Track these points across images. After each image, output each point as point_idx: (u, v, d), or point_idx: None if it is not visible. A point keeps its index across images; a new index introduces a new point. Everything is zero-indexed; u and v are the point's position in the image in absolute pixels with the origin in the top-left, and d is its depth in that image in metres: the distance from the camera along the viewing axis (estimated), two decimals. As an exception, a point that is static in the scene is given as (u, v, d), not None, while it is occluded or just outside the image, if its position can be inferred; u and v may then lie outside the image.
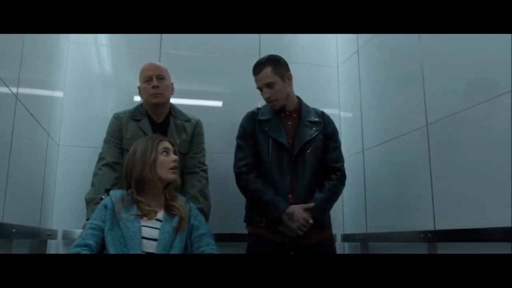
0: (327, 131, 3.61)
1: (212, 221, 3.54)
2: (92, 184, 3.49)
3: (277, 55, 3.59)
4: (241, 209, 3.61)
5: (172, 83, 3.81)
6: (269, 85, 3.47)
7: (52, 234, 3.75)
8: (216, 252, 2.91)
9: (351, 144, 4.52)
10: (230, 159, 3.58)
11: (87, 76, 4.36)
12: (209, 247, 2.91)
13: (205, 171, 3.77)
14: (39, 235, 3.50)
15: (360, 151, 4.41)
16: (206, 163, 3.83)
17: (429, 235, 3.21)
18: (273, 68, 3.48)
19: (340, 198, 3.58)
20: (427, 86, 3.41)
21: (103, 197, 3.09)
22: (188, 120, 3.83)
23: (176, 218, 2.87)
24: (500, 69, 2.67)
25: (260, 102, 4.03)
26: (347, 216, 4.64)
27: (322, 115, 3.68)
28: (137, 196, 2.90)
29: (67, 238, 3.92)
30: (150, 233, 2.77)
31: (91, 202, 3.34)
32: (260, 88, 3.55)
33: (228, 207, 4.13)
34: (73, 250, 2.63)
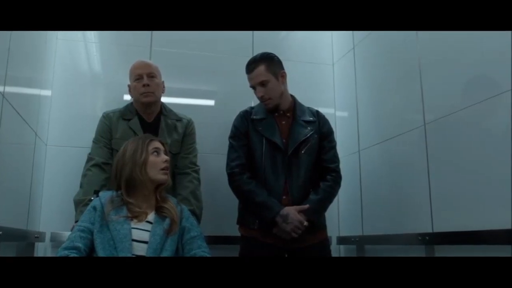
0: (322, 130, 3.61)
1: (204, 223, 3.54)
2: (81, 185, 3.48)
3: (270, 53, 3.59)
4: (234, 211, 3.61)
5: (163, 82, 3.81)
6: (263, 84, 3.47)
7: (39, 237, 3.73)
8: (208, 255, 2.90)
9: (347, 144, 4.52)
10: (223, 160, 3.58)
11: (75, 74, 4.34)
12: (201, 250, 2.91)
13: (197, 171, 3.76)
14: (27, 238, 3.49)
15: (356, 151, 4.41)
16: (198, 163, 3.83)
17: (427, 237, 3.21)
18: (266, 66, 3.47)
19: (335, 199, 3.58)
20: (424, 84, 3.41)
21: (92, 198, 3.09)
22: (179, 119, 3.83)
23: (167, 220, 2.87)
24: (499, 67, 2.68)
25: (254, 101, 4.03)
26: (342, 218, 4.64)
27: (317, 114, 3.69)
28: (127, 197, 2.89)
29: (55, 240, 3.91)
30: (141, 236, 2.76)
31: (80, 204, 3.33)
32: (253, 87, 3.55)
33: (220, 208, 4.12)
34: (61, 253, 2.62)
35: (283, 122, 3.56)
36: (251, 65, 3.53)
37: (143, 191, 2.94)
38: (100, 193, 2.99)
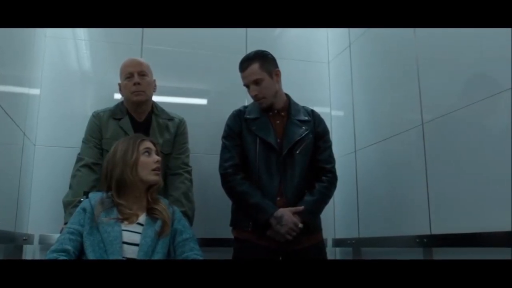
0: (318, 130, 3.60)
1: (197, 225, 3.53)
2: (70, 186, 3.46)
3: (264, 51, 3.59)
4: (227, 213, 3.60)
5: (154, 80, 3.80)
6: (257, 82, 3.46)
7: (28, 239, 3.72)
8: (201, 258, 2.89)
9: (343, 144, 4.52)
10: (215, 160, 3.57)
11: (65, 72, 4.33)
12: (193, 253, 2.90)
13: (189, 172, 3.76)
14: (15, 240, 3.48)
15: (352, 151, 4.42)
16: (190, 164, 3.82)
17: (425, 240, 3.21)
18: (260, 64, 3.46)
19: (331, 201, 3.58)
20: (422, 83, 3.41)
21: (82, 200, 3.08)
22: (171, 119, 3.82)
23: (159, 222, 2.86)
24: (499, 66, 2.68)
25: (247, 100, 4.04)
26: (338, 220, 4.64)
27: (312, 114, 3.68)
28: (117, 199, 2.88)
29: (44, 243, 3.90)
30: (131, 238, 2.75)
31: (69, 205, 3.32)
32: (247, 85, 3.54)
33: (213, 210, 4.12)
34: (50, 256, 2.61)
35: (278, 122, 3.55)
36: (245, 63, 3.52)
37: (134, 192, 2.93)
38: (90, 194, 2.98)
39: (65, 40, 4.39)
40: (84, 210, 2.83)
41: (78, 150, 3.62)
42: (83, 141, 3.64)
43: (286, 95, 3.70)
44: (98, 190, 3.11)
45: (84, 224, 2.76)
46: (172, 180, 3.68)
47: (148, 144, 3.04)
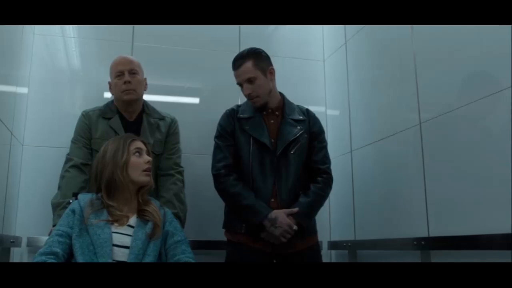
0: (313, 130, 3.60)
1: (188, 227, 3.54)
2: (59, 187, 3.46)
3: (258, 48, 3.58)
4: (220, 215, 3.59)
5: (145, 79, 3.80)
6: (250, 81, 3.45)
7: (15, 241, 3.71)
8: (193, 261, 2.89)
9: (339, 144, 4.52)
10: (208, 161, 3.57)
11: (53, 70, 4.32)
12: (185, 255, 2.89)
13: (180, 173, 3.76)
14: (2, 242, 3.46)
15: (348, 151, 4.41)
16: (182, 164, 3.82)
17: (422, 242, 3.21)
18: (254, 62, 3.46)
19: (326, 202, 3.58)
20: (420, 81, 3.41)
21: (71, 201, 3.06)
22: (162, 118, 3.82)
23: (150, 224, 2.85)
24: (499, 64, 2.67)
25: (240, 99, 4.03)
26: (334, 222, 4.64)
27: (307, 113, 3.68)
28: (107, 200, 2.87)
29: (32, 245, 3.88)
30: (122, 240, 2.74)
31: (58, 207, 3.31)
32: (240, 84, 3.53)
33: (205, 212, 4.11)
34: (38, 259, 2.59)
35: (272, 121, 3.55)
36: (238, 61, 3.51)
37: (125, 193, 2.92)
38: (79, 196, 2.96)
39: (53, 38, 4.38)
40: (73, 211, 2.82)
41: (67, 150, 3.61)
42: (72, 141, 3.63)
43: (281, 93, 3.69)
44: (88, 191, 3.11)
45: (73, 226, 2.75)
46: (163, 181, 3.67)
47: (138, 144, 3.03)
